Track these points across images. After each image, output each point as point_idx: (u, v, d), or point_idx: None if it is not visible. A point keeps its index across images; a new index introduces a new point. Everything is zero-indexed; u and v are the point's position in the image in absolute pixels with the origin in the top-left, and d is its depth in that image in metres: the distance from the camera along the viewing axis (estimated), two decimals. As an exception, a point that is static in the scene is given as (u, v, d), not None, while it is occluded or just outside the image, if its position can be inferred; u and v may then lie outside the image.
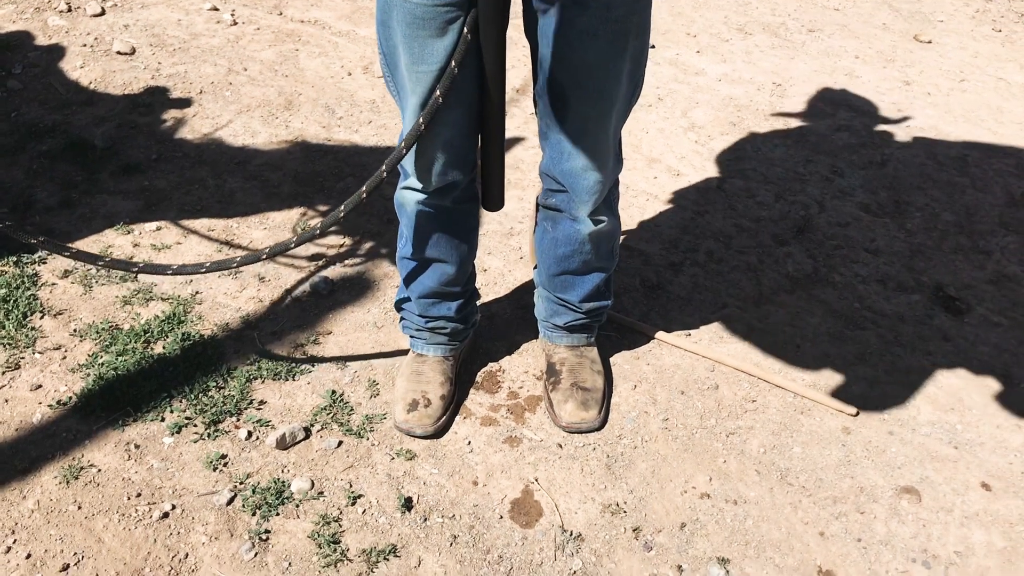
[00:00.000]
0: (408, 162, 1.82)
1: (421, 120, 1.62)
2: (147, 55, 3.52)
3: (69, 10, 3.76)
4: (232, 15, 3.81)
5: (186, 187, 2.85)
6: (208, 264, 1.87)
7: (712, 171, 3.06)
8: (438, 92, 1.61)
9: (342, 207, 1.73)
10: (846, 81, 3.62)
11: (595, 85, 1.66)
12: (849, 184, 3.01)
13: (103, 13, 3.76)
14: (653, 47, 3.79)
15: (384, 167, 1.67)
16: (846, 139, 3.25)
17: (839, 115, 3.39)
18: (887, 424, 2.18)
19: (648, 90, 3.44)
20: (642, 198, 2.91)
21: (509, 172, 2.98)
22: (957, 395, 2.26)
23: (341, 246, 2.65)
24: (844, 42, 3.94)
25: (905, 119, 3.39)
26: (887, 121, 3.37)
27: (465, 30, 1.57)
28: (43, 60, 3.44)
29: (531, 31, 1.67)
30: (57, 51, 3.49)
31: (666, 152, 3.14)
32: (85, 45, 3.54)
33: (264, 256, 1.81)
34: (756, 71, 3.66)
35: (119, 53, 3.50)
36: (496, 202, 1.90)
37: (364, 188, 1.70)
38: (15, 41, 3.54)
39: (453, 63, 1.58)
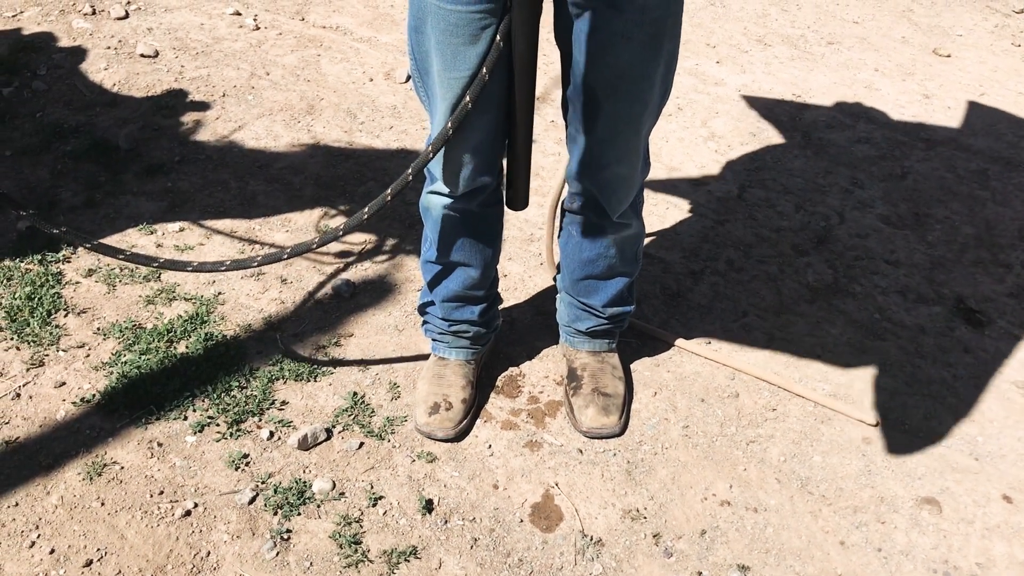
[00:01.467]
0: (436, 167, 1.83)
1: (449, 124, 1.63)
2: (170, 58, 3.55)
3: (93, 13, 3.79)
4: (255, 20, 3.84)
5: (209, 189, 2.87)
6: (228, 262, 1.88)
7: (732, 180, 3.06)
8: (468, 98, 1.62)
9: (366, 209, 1.75)
10: (865, 94, 3.63)
11: (628, 88, 1.67)
12: (869, 196, 3.01)
13: (127, 16, 3.79)
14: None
15: (410, 170, 1.68)
16: (866, 151, 3.25)
17: (859, 127, 3.40)
18: (907, 435, 2.17)
19: (669, 100, 3.44)
20: (662, 206, 2.92)
21: (529, 179, 2.99)
22: (978, 407, 2.26)
23: (362, 249, 2.66)
24: (863, 55, 3.94)
25: (925, 132, 3.39)
26: (907, 134, 3.37)
27: (498, 37, 1.58)
28: (67, 62, 3.47)
29: (563, 36, 1.68)
30: (81, 53, 3.52)
31: (686, 161, 3.15)
32: (109, 47, 3.57)
33: (286, 256, 1.82)
34: (776, 82, 3.67)
35: (142, 56, 3.53)
36: (521, 202, 1.90)
37: (389, 191, 1.71)
38: (39, 43, 3.57)
39: (485, 70, 1.59)
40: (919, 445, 2.15)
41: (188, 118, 3.21)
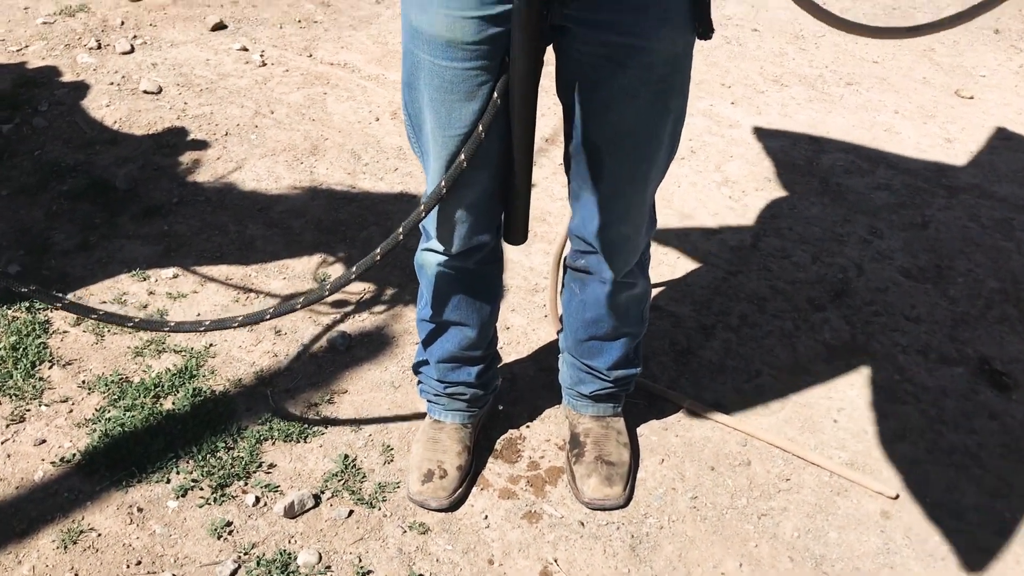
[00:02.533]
0: (430, 224, 1.74)
1: (443, 184, 1.54)
2: (173, 95, 3.48)
3: (99, 47, 3.74)
4: (261, 56, 3.78)
5: (206, 232, 2.79)
6: (207, 323, 1.79)
7: (746, 228, 2.96)
8: (463, 156, 1.53)
9: (353, 269, 1.66)
10: (885, 137, 3.52)
11: (633, 146, 1.58)
12: (888, 246, 2.90)
13: (132, 51, 3.74)
14: (687, 97, 3.70)
15: (401, 230, 1.60)
16: (885, 198, 3.14)
17: (878, 172, 3.29)
18: (929, 509, 2.05)
19: (681, 142, 3.33)
20: (673, 255, 2.82)
21: (535, 224, 2.90)
22: (1005, 479, 2.14)
23: (361, 298, 2.57)
24: (883, 96, 3.84)
25: (946, 178, 3.28)
26: (928, 180, 3.26)
27: (495, 95, 1.49)
28: (69, 98, 3.41)
29: (565, 90, 1.59)
30: (84, 89, 3.47)
31: (699, 208, 3.05)
32: (112, 83, 3.51)
33: (268, 316, 1.73)
34: (792, 124, 3.57)
35: (145, 92, 3.47)
36: (519, 235, 1.77)
37: (379, 250, 1.62)
38: (43, 78, 3.52)
39: (481, 128, 1.50)
40: (942, 521, 2.02)
41: (188, 157, 3.14)
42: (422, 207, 1.57)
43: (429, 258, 1.81)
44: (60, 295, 1.86)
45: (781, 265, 2.79)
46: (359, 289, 2.60)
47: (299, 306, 1.70)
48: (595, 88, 1.51)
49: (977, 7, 1.45)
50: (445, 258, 1.78)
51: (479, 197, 1.66)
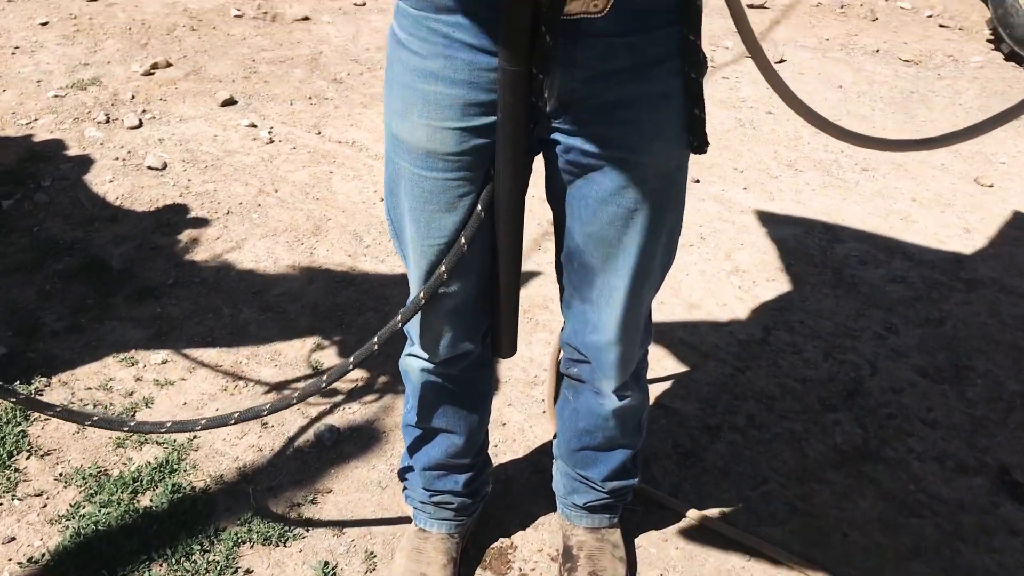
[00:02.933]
0: (413, 329, 1.66)
1: (422, 295, 1.47)
2: (178, 171, 3.45)
3: (107, 121, 3.73)
4: (269, 132, 3.76)
5: (199, 316, 2.72)
6: (169, 424, 1.69)
7: (756, 321, 2.86)
8: (443, 268, 1.45)
9: (324, 377, 1.58)
10: (902, 226, 3.44)
11: (625, 260, 1.49)
12: (904, 343, 2.79)
13: (140, 125, 3.73)
14: (697, 182, 3.65)
15: (375, 339, 1.52)
16: (901, 291, 3.04)
17: (894, 264, 3.20)
18: (946, 637, 1.92)
19: (690, 228, 3.28)
20: (680, 348, 2.72)
21: (536, 311, 2.82)
22: (1027, 605, 2.00)
23: (353, 387, 2.48)
24: (900, 183, 3.76)
25: (965, 271, 3.18)
26: (946, 272, 3.16)
27: (479, 207, 1.42)
28: (73, 172, 3.39)
29: (555, 199, 1.52)
30: (88, 163, 3.45)
31: (707, 297, 2.96)
32: (117, 158, 3.49)
33: (232, 421, 1.63)
34: (806, 211, 3.49)
35: (150, 168, 3.44)
36: (506, 349, 1.69)
37: (352, 359, 1.55)
38: (49, 152, 3.50)
39: (463, 240, 1.43)
40: (959, 651, 1.89)
41: (187, 236, 3.09)
42: (398, 319, 1.50)
43: (413, 363, 1.72)
44: (14, 389, 1.78)
45: (791, 361, 2.69)
46: (351, 378, 2.52)
47: (265, 412, 1.61)
48: (585, 201, 1.44)
49: (992, 120, 1.37)
50: (430, 364, 1.70)
51: (462, 305, 1.58)
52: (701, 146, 1.41)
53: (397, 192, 1.48)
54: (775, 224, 3.41)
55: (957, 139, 1.42)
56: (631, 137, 1.36)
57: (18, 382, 2.42)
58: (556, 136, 1.39)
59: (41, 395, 2.41)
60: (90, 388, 2.44)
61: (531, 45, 1.26)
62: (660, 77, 1.34)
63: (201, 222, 3.18)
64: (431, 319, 1.59)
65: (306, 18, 4.88)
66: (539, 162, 1.49)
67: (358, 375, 2.53)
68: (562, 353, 1.81)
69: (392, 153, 1.46)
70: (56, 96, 3.89)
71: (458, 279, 1.51)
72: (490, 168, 1.39)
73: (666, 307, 2.88)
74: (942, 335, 2.85)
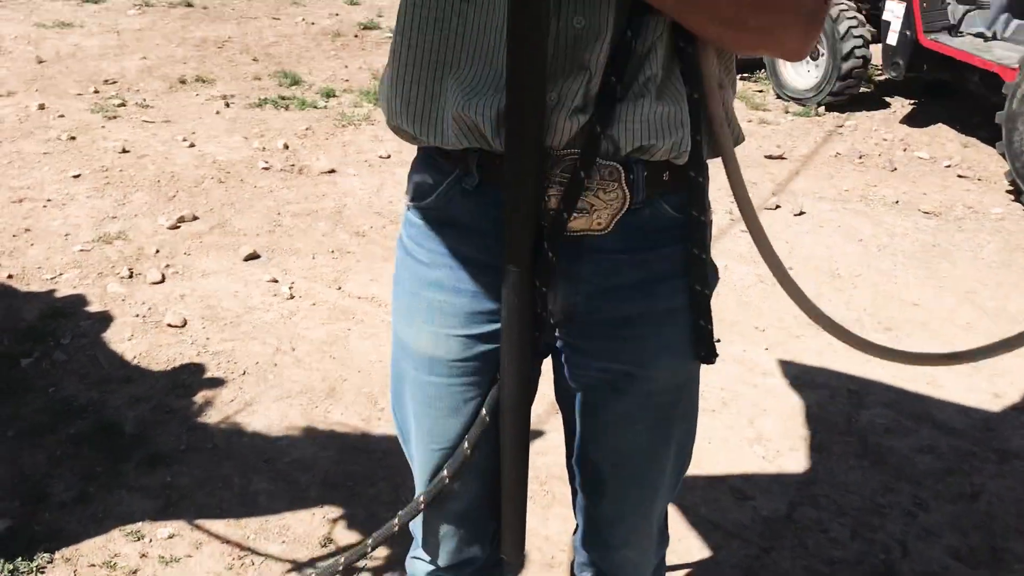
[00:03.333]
0: (416, 529, 1.60)
1: (422, 500, 1.42)
2: (197, 328, 3.46)
3: (130, 276, 3.77)
4: (290, 288, 3.78)
5: (209, 486, 2.67)
6: None
7: (780, 495, 2.77)
8: (446, 472, 1.41)
9: (369, 540, 1.54)
10: (929, 391, 3.36)
11: (634, 471, 1.45)
12: (935, 521, 2.68)
13: (163, 280, 3.77)
14: (718, 341, 3.60)
15: (370, 541, 1.49)
16: (930, 463, 2.95)
17: (922, 432, 3.11)
18: None
19: (712, 392, 3.22)
20: (703, 526, 2.62)
21: (554, 483, 2.75)
22: None
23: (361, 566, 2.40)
24: (925, 343, 3.70)
25: (997, 440, 3.09)
26: (976, 442, 3.07)
27: (483, 412, 1.38)
28: (93, 330, 3.40)
29: (563, 402, 1.49)
30: (108, 320, 3.47)
31: (730, 469, 2.88)
32: (138, 315, 3.51)
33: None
34: (829, 375, 3.43)
35: (169, 325, 3.45)
36: (514, 553, 1.61)
37: (343, 559, 1.50)
38: (70, 308, 3.53)
39: (467, 445, 1.39)
40: None
41: (202, 397, 3.07)
42: (395, 522, 1.46)
43: (419, 567, 1.65)
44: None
45: (817, 541, 2.59)
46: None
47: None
48: (593, 411, 1.40)
49: (1018, 336, 1.33)
50: (434, 568, 1.63)
51: (467, 509, 1.53)
52: (709, 356, 1.38)
53: (402, 393, 1.46)
54: (798, 388, 3.34)
55: (984, 355, 1.38)
56: (637, 353, 1.33)
57: (20, 558, 2.36)
58: (561, 347, 1.36)
59: (43, 573, 2.34)
60: (93, 565, 2.38)
61: (535, 259, 1.25)
62: (666, 293, 1.33)
63: (217, 382, 3.16)
64: (434, 522, 1.54)
65: (332, 171, 4.98)
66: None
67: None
68: (575, 556, 1.73)
69: (398, 355, 1.45)
70: (82, 250, 3.95)
71: (462, 482, 1.47)
72: (495, 374, 1.36)
73: (688, 479, 2.79)
74: (976, 512, 2.74)
